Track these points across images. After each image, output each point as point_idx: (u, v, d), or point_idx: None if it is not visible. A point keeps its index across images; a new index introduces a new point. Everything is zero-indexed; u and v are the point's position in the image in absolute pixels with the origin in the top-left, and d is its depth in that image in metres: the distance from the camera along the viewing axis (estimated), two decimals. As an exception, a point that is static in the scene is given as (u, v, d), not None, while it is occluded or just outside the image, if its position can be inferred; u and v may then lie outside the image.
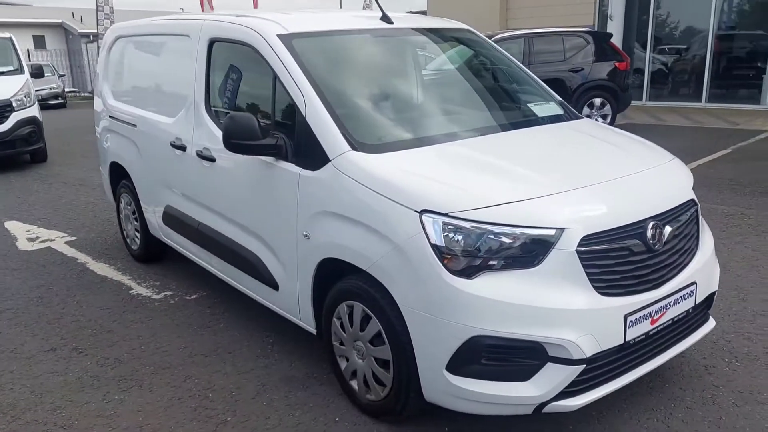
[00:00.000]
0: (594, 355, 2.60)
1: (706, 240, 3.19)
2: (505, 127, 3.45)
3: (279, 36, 3.45)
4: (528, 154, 3.15)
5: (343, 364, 3.25)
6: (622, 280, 2.68)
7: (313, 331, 3.39)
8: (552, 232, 2.57)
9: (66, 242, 6.09)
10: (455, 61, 3.97)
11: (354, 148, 2.99)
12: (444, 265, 2.59)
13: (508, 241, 2.57)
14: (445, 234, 2.60)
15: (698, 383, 3.33)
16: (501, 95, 3.82)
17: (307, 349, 3.81)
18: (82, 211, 7.22)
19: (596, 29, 15.42)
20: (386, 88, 3.57)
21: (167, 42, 4.41)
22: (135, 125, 4.81)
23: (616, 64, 10.99)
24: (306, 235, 3.17)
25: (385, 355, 2.92)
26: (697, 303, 3.02)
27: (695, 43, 15.28)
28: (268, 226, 3.46)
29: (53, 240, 6.18)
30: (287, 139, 3.27)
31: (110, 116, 5.28)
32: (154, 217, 4.86)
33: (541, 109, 3.74)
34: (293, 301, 3.44)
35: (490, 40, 4.26)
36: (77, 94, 28.60)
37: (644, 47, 15.76)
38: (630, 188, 2.88)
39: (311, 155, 3.13)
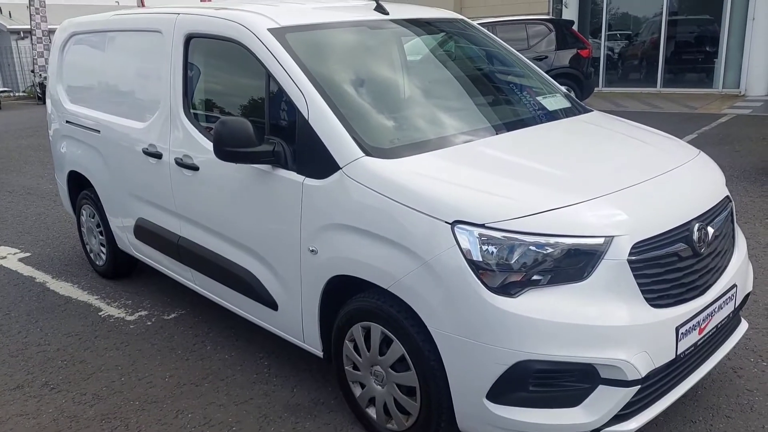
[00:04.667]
0: (648, 373, 2.37)
1: (740, 238, 3.01)
2: (521, 124, 3.20)
3: (270, 30, 3.11)
4: (557, 153, 2.90)
5: (357, 391, 2.95)
6: (671, 289, 2.46)
7: (320, 354, 3.08)
8: (601, 240, 2.33)
9: (20, 259, 5.58)
10: (457, 54, 3.69)
11: (367, 154, 2.69)
12: (483, 283, 2.32)
13: (553, 253, 2.31)
14: (483, 247, 2.33)
15: (731, 388, 3.16)
16: (508, 89, 3.56)
17: (307, 372, 3.49)
18: (33, 224, 6.68)
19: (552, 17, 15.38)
20: (391, 86, 3.27)
21: (134, 39, 3.99)
22: (98, 131, 4.37)
23: (579, 51, 10.92)
24: (312, 250, 2.85)
25: (410, 381, 2.64)
26: (736, 306, 2.84)
27: (648, 28, 15.42)
28: (264, 241, 3.13)
29: (5, 257, 5.65)
30: (286, 144, 2.95)
31: (67, 121, 4.81)
32: (123, 231, 4.45)
33: (550, 103, 3.50)
34: (295, 321, 3.12)
35: (486, 30, 3.99)
36: (10, 95, 27.16)
37: (598, 34, 15.81)
38: (671, 187, 2.66)
39: (316, 162, 2.81)
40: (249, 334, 3.93)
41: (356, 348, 2.86)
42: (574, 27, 11.64)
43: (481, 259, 2.32)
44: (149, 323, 4.19)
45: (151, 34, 3.82)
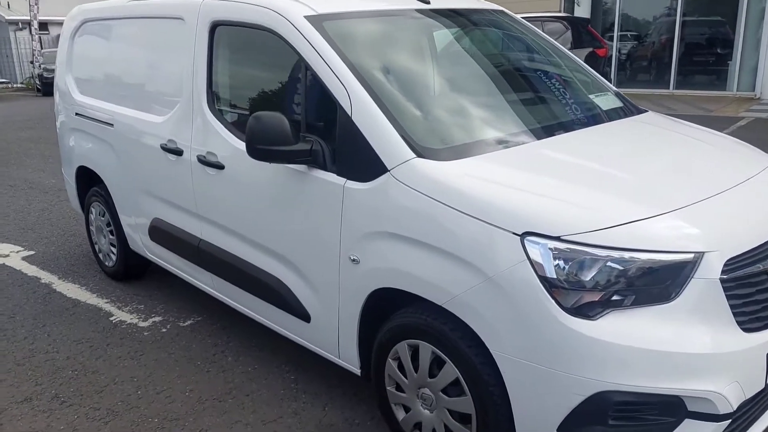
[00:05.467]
0: (739, 406, 2.13)
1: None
2: (579, 124, 2.94)
3: (307, 18, 2.85)
4: (627, 158, 2.65)
5: (400, 414, 2.70)
6: (762, 310, 2.21)
7: (357, 371, 2.83)
8: (690, 256, 2.08)
9: (23, 258, 5.31)
10: (504, 48, 3.43)
11: (419, 155, 2.43)
12: (557, 302, 2.07)
13: (638, 270, 2.06)
14: (557, 262, 2.08)
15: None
16: (559, 86, 3.31)
17: (339, 388, 3.24)
18: (36, 220, 6.40)
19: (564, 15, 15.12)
20: (439, 80, 3.01)
21: (152, 26, 3.72)
22: (111, 125, 4.10)
23: (595, 50, 10.67)
24: (354, 260, 2.60)
25: (465, 408, 2.39)
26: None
27: (660, 29, 15.18)
28: (297, 248, 2.88)
29: (7, 255, 5.38)
30: (324, 143, 2.69)
31: (77, 113, 4.54)
32: (136, 232, 4.18)
33: (604, 101, 3.26)
34: (330, 335, 2.86)
35: (528, 23, 3.74)
36: (8, 86, 26.80)
37: (610, 33, 15.57)
38: (756, 197, 2.41)
39: (360, 163, 2.55)
40: (273, 344, 3.67)
41: (401, 367, 2.61)
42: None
43: (554, 276, 2.07)
44: (164, 330, 3.93)
45: (171, 21, 3.55)
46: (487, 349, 2.24)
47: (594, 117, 3.06)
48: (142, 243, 4.18)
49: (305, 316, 2.96)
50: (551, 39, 3.65)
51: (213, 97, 3.30)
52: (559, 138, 2.75)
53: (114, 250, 4.59)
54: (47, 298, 4.47)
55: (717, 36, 14.73)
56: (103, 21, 4.25)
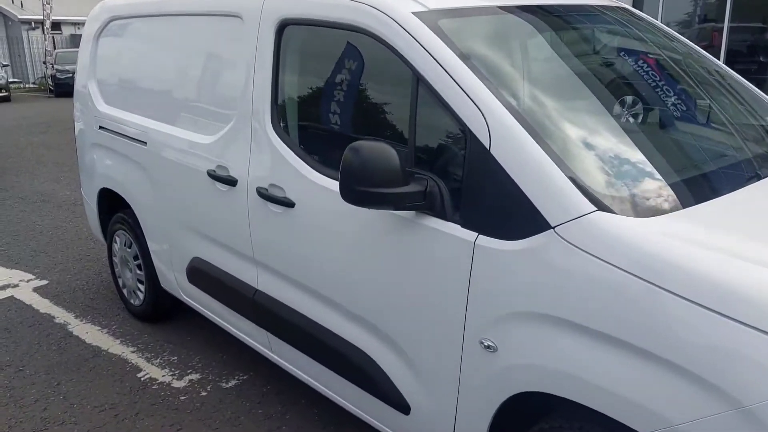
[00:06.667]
0: None
1: None
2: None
3: (416, 15, 2.15)
4: None
5: None
6: None
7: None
8: None
9: (35, 289, 4.63)
10: (659, 57, 2.69)
11: (602, 207, 1.72)
12: None
13: None
14: None
15: None
16: (738, 109, 2.58)
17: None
18: (49, 240, 5.73)
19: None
20: (604, 100, 2.28)
21: (199, 25, 3.03)
22: (144, 143, 3.42)
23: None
24: (487, 346, 1.90)
25: None
26: None
27: (703, 35, 14.42)
28: (396, 318, 2.18)
29: (16, 285, 4.71)
30: (441, 182, 1.99)
31: (101, 127, 3.86)
32: (170, 270, 3.50)
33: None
34: (439, 436, 2.16)
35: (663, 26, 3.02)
36: (21, 86, 26.25)
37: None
38: None
39: (502, 213, 1.85)
40: (340, 417, 2.97)
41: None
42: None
43: None
44: (204, 394, 3.23)
45: (225, 19, 2.86)
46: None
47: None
48: (177, 284, 3.49)
49: (403, 407, 2.26)
50: (697, 47, 2.92)
51: (278, 115, 2.61)
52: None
53: (141, 287, 3.91)
54: (63, 344, 3.78)
55: (758, 43, 14.00)
56: (134, 19, 3.56)
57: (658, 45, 2.72)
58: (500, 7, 2.36)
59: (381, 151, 1.93)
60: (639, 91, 2.33)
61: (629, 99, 2.26)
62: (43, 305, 4.34)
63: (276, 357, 2.91)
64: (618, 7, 2.87)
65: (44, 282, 4.75)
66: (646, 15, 3.01)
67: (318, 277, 2.47)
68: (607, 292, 1.63)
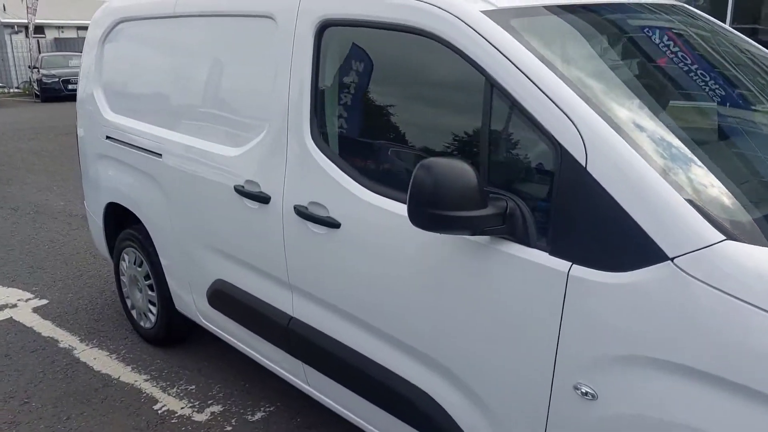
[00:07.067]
0: None
1: None
2: None
3: (486, 14, 1.91)
4: None
5: None
6: None
7: None
8: None
9: (35, 309, 4.34)
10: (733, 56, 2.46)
11: (730, 236, 1.48)
12: None
13: None
14: None
15: None
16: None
17: None
18: (46, 254, 5.43)
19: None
20: (712, 110, 2.04)
21: (225, 27, 2.77)
22: (159, 155, 3.15)
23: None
24: (584, 393, 1.66)
25: None
26: None
27: None
28: (467, 355, 1.94)
29: (15, 305, 4.41)
30: (522, 203, 1.76)
31: (108, 137, 3.59)
32: (187, 292, 3.23)
33: None
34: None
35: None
36: (5, 91, 25.73)
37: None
38: None
39: (604, 241, 1.61)
40: (382, 456, 2.72)
41: None
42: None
43: None
44: (229, 428, 2.97)
45: (255, 20, 2.61)
46: None
47: None
48: (195, 307, 3.23)
49: (470, 451, 2.01)
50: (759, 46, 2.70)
51: (319, 125, 2.35)
52: None
53: (153, 309, 3.63)
54: (69, 372, 3.50)
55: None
56: (146, 21, 3.29)
57: (737, 49, 2.49)
58: (565, 6, 2.12)
59: (457, 169, 1.69)
60: (745, 98, 2.10)
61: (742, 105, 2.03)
62: (45, 328, 4.05)
63: (312, 390, 2.66)
64: (679, 6, 2.64)
65: (44, 301, 4.46)
66: (707, 15, 2.79)
67: (367, 306, 2.22)
68: (743, 337, 1.39)
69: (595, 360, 1.63)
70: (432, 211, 1.70)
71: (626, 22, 2.20)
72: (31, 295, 4.56)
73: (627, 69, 2.00)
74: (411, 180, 1.73)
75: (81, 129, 3.92)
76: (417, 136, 2.09)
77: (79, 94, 3.91)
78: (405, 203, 2.06)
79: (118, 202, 3.62)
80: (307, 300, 2.49)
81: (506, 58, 1.80)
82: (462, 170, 1.69)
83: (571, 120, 1.67)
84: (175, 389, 3.31)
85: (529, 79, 1.75)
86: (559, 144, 1.68)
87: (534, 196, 1.76)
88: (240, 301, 2.84)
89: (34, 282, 4.81)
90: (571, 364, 1.68)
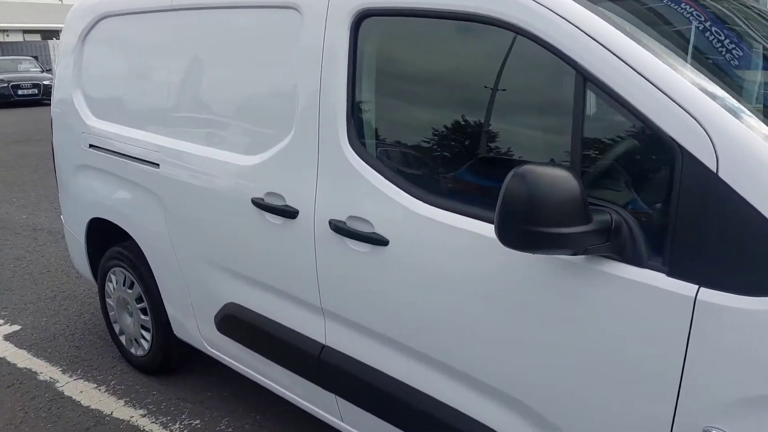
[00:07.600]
0: None
1: None
2: None
3: (572, -2, 1.65)
4: None
5: None
6: None
7: None
8: None
9: (6, 337, 3.92)
10: None
11: None
12: None
13: None
14: None
15: None
16: None
17: None
18: (12, 275, 4.98)
19: None
20: None
21: (238, 20, 2.45)
22: (156, 164, 2.81)
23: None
24: (715, 436, 1.41)
25: None
26: None
27: None
28: (558, 394, 1.68)
29: (-17, 333, 3.99)
30: (629, 216, 1.51)
31: (91, 145, 3.23)
32: (189, 317, 2.90)
33: None
34: None
35: None
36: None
37: None
38: None
39: (743, 260, 1.37)
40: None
41: None
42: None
43: None
44: (246, 469, 2.65)
45: (275, 11, 2.30)
46: None
47: None
48: (200, 333, 2.89)
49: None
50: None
51: (358, 130, 2.06)
52: None
53: (146, 335, 3.28)
54: (54, 409, 3.13)
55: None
56: (137, 15, 2.95)
57: None
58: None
59: (558, 178, 1.43)
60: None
61: None
62: (20, 358, 3.65)
63: (346, 426, 2.36)
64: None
65: (16, 327, 4.04)
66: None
67: (425, 335, 1.94)
68: None
69: (729, 402, 1.39)
70: (527, 228, 1.44)
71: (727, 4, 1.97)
72: (1, 321, 4.14)
73: (736, 60, 1.77)
74: (502, 191, 1.46)
75: (57, 138, 3.53)
76: (482, 140, 1.82)
77: (54, 102, 3.53)
78: (468, 216, 1.80)
79: (104, 217, 3.26)
80: (342, 326, 2.20)
81: (605, 47, 1.55)
82: (564, 179, 1.43)
83: (694, 118, 1.42)
84: (177, 425, 2.97)
85: (637, 72, 1.50)
86: (680, 146, 1.43)
87: (643, 208, 1.51)
88: (257, 327, 2.53)
89: (3, 305, 4.38)
90: (698, 407, 1.44)
